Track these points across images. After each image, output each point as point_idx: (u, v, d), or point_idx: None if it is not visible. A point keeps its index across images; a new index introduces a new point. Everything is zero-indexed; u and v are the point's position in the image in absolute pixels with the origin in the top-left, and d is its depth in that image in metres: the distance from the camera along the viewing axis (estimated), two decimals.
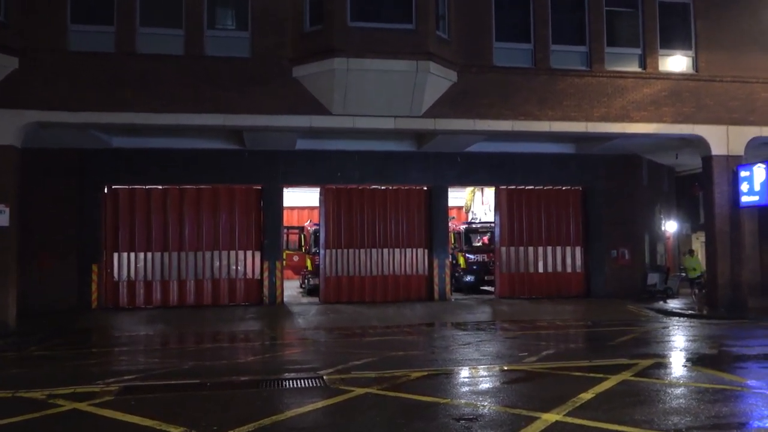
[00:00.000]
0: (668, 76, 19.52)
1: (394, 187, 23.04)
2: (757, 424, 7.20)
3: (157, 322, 18.05)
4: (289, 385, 9.34)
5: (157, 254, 21.49)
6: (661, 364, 10.65)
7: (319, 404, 8.02)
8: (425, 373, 9.85)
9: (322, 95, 17.60)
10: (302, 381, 9.51)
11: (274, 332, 16.19)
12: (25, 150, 17.33)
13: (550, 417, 7.29)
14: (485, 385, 9.18)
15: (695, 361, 11.05)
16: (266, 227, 21.94)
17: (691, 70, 19.81)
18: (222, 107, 17.32)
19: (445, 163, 22.62)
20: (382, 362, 11.16)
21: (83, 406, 8.04)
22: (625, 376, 9.47)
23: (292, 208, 36.14)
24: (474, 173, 23.08)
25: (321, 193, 22.84)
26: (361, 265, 22.75)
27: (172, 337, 15.74)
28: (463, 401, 8.04)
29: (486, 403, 7.97)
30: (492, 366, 10.72)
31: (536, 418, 7.23)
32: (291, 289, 28.09)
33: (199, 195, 21.85)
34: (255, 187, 22.15)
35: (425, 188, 23.12)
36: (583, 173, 23.60)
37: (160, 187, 21.69)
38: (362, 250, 22.82)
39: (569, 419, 7.20)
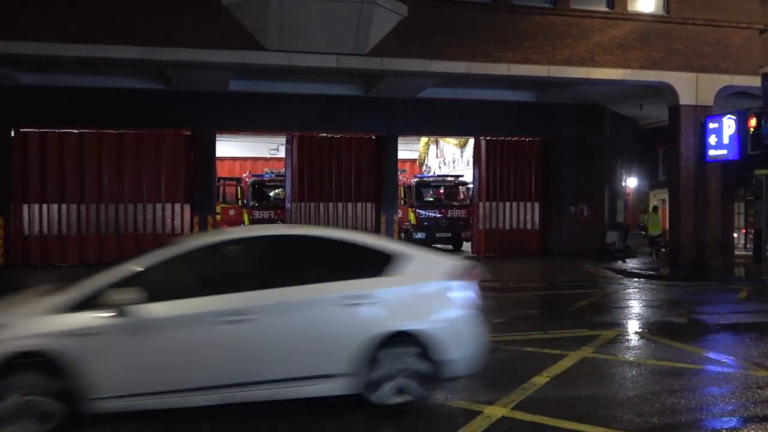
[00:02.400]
0: (637, 17, 17.91)
1: (339, 136, 21.14)
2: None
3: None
4: None
5: (73, 206, 19.28)
6: (624, 335, 9.21)
7: None
8: None
9: (255, 28, 15.50)
10: None
11: None
12: None
13: (495, 411, 5.74)
14: None
15: (661, 331, 9.65)
16: (197, 178, 19.90)
17: (661, 11, 18.21)
18: (140, 39, 15.08)
19: (396, 110, 20.75)
20: None
21: None
22: (586, 352, 7.98)
23: (234, 159, 33.98)
24: (427, 121, 21.31)
25: (288, 141, 20.93)
26: (310, 220, 20.96)
27: None
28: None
29: None
30: None
31: (477, 414, 5.67)
32: None
33: (120, 140, 19.61)
34: (184, 133, 20.01)
35: (374, 137, 21.29)
36: (544, 124, 22.04)
37: (75, 130, 19.37)
38: (311, 204, 21.00)
39: (518, 415, 5.66)
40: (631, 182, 26.91)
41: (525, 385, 6.50)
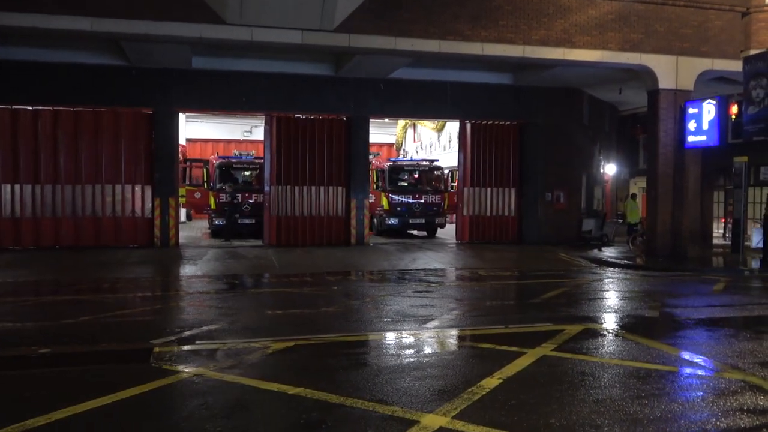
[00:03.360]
0: None
1: (312, 117, 20.31)
2: None
3: (20, 266, 15.16)
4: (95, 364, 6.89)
5: (27, 186, 18.42)
6: (591, 331, 8.55)
7: (121, 395, 5.60)
8: (290, 344, 7.53)
9: (214, 0, 14.66)
10: (119, 355, 7.10)
11: (144, 282, 13.48)
12: None
13: (433, 421, 5.08)
14: (363, 369, 6.89)
15: (632, 327, 9.04)
16: (158, 158, 19.03)
17: None
18: (91, 8, 14.23)
19: (367, 91, 20.02)
20: (250, 326, 8.82)
21: None
22: (546, 350, 7.34)
23: (206, 141, 33.12)
24: (399, 103, 20.56)
25: (267, 122, 20.22)
26: (278, 206, 20.16)
27: (21, 288, 12.93)
28: (316, 393, 5.73)
29: (351, 398, 5.69)
30: (381, 333, 8.46)
31: (412, 424, 5.01)
32: (198, 230, 25.44)
33: (77, 118, 18.70)
34: (145, 111, 19.12)
35: (344, 118, 20.49)
36: (520, 107, 21.40)
37: (29, 107, 18.45)
38: (287, 187, 20.19)
39: (459, 425, 5.01)
40: (610, 169, 26.36)
41: (473, 389, 5.84)
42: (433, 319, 9.18)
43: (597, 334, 8.48)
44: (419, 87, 20.23)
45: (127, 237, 18.95)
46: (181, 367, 6.46)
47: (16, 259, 16.34)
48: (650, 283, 13.76)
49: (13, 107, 18.29)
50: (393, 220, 23.12)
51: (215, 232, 22.76)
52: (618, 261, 17.42)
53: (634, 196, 21.98)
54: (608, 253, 19.32)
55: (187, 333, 8.09)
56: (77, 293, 11.94)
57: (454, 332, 8.60)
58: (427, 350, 7.65)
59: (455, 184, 24.36)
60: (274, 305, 10.57)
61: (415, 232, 25.14)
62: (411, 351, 7.58)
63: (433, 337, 8.20)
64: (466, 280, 14.24)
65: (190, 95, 19.05)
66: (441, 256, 18.36)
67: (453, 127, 29.46)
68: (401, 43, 15.98)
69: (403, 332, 8.43)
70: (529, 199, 21.90)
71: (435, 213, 23.69)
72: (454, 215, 27.56)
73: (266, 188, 20.29)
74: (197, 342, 7.60)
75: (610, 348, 7.78)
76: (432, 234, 24.65)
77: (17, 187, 18.32)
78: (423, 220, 23.55)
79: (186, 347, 7.38)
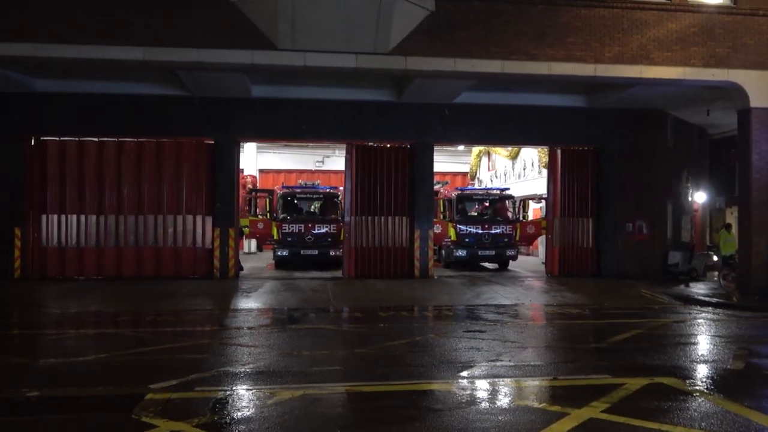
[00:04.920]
0: (698, 9, 15.73)
1: (379, 145, 19.61)
2: None
3: (73, 297, 15.09)
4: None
5: (92, 217, 18.55)
6: (657, 387, 7.21)
7: None
8: (298, 393, 6.68)
9: (265, 24, 14.32)
10: (108, 401, 6.45)
11: (186, 315, 12.87)
12: None
13: None
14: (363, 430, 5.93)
15: (710, 382, 7.64)
16: (218, 189, 18.82)
17: (727, 2, 15.98)
18: (142, 38, 14.17)
19: (430, 116, 19.18)
20: (267, 368, 8.05)
21: None
22: (595, 410, 6.16)
23: (279, 172, 33.14)
24: (464, 128, 19.56)
25: (348, 151, 19.72)
26: (356, 237, 19.47)
27: (61, 319, 12.73)
28: None
29: None
30: (403, 384, 7.42)
31: None
32: (265, 260, 25.10)
33: (140, 149, 18.79)
34: (206, 141, 19.01)
35: (407, 146, 19.71)
36: (595, 131, 19.97)
37: (95, 139, 18.67)
38: (363, 218, 19.45)
39: None
40: (699, 197, 24.28)
41: None
42: (471, 367, 8.10)
43: (664, 391, 7.14)
44: (485, 111, 19.22)
45: (187, 268, 18.74)
46: (159, 421, 5.73)
47: (73, 289, 16.33)
48: (740, 325, 12.09)
49: (80, 139, 18.59)
50: (461, 252, 21.99)
51: (279, 263, 22.36)
52: (705, 299, 15.65)
53: (728, 226, 19.97)
54: (696, 289, 17.50)
55: (193, 376, 7.39)
56: (115, 326, 11.58)
57: (487, 385, 7.43)
58: (443, 409, 6.47)
59: (527, 214, 23.10)
60: (304, 345, 9.76)
61: (486, 265, 23.90)
62: (423, 410, 6.44)
63: (460, 391, 7.11)
64: (527, 319, 12.98)
65: (250, 124, 18.83)
66: (508, 291, 17.10)
67: (527, 154, 28.20)
68: (461, 64, 15.11)
69: (431, 383, 7.39)
70: (607, 229, 20.31)
71: (506, 244, 22.39)
72: (530, 246, 26.30)
73: (346, 218, 19.69)
74: (197, 388, 6.86)
75: (678, 412, 6.46)
76: (503, 266, 23.35)
77: (82, 217, 18.51)
78: (493, 252, 22.28)
79: (180, 395, 6.65)
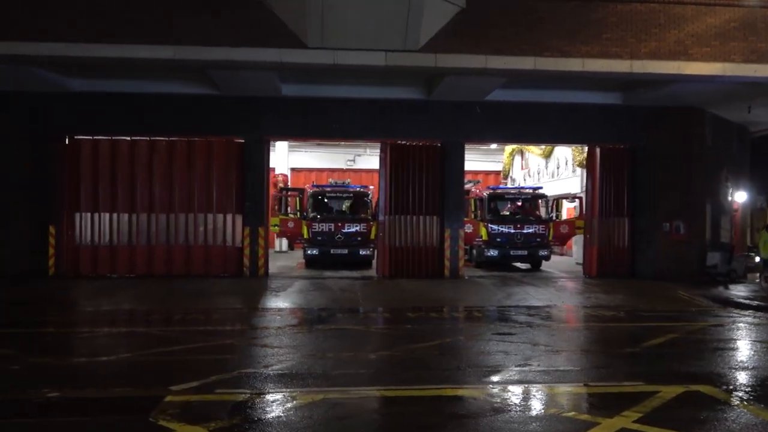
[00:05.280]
0: (739, 3, 15.19)
1: (407, 143, 19.43)
2: None
3: (104, 295, 15.22)
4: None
5: (124, 215, 18.73)
6: (693, 395, 6.91)
7: None
8: (318, 397, 6.55)
9: (294, 23, 14.30)
10: (126, 403, 6.39)
11: (214, 314, 12.81)
12: None
13: None
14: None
15: (750, 391, 7.31)
16: (248, 187, 18.85)
17: None
18: (172, 37, 14.26)
19: (462, 115, 18.92)
20: (290, 370, 7.94)
21: None
22: (626, 420, 5.90)
23: (311, 170, 33.14)
24: (496, 127, 19.30)
25: (382, 149, 19.63)
26: (390, 236, 19.30)
27: (94, 317, 12.83)
28: None
29: None
30: (426, 390, 7.24)
31: None
32: (296, 259, 25.08)
33: (171, 148, 18.92)
34: (236, 140, 19.04)
35: (438, 144, 19.48)
36: (631, 129, 19.52)
37: (128, 138, 18.85)
38: (396, 217, 19.28)
39: None
40: (740, 197, 23.57)
41: None
42: (499, 371, 7.89)
43: (700, 400, 6.84)
44: (517, 109, 18.90)
45: (217, 266, 18.81)
46: (176, 425, 5.65)
47: (106, 287, 16.48)
48: None
49: (113, 138, 18.77)
50: (492, 252, 21.69)
51: (309, 262, 22.33)
52: (746, 301, 15.17)
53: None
54: (735, 291, 16.98)
55: (215, 378, 7.32)
56: (145, 324, 11.62)
57: (515, 391, 7.20)
58: (467, 416, 6.28)
59: (561, 213, 22.71)
60: (330, 346, 9.65)
61: (519, 265, 23.55)
62: (447, 417, 6.24)
63: (486, 397, 6.88)
64: (558, 321, 12.69)
65: (280, 123, 18.81)
66: (540, 292, 16.78)
67: (561, 152, 27.74)
68: (492, 61, 14.87)
69: (457, 389, 7.20)
70: (643, 229, 19.85)
71: (539, 244, 22.02)
72: (563, 246, 25.84)
73: (380, 217, 19.58)
74: (217, 390, 6.78)
75: (715, 422, 6.17)
76: (536, 267, 22.97)
77: (115, 216, 18.69)
78: (525, 252, 21.93)
79: (199, 397, 6.58)
